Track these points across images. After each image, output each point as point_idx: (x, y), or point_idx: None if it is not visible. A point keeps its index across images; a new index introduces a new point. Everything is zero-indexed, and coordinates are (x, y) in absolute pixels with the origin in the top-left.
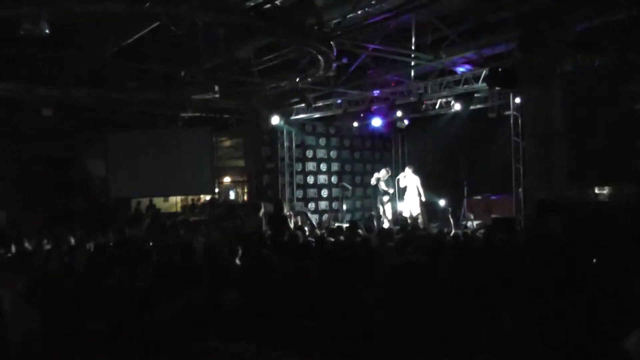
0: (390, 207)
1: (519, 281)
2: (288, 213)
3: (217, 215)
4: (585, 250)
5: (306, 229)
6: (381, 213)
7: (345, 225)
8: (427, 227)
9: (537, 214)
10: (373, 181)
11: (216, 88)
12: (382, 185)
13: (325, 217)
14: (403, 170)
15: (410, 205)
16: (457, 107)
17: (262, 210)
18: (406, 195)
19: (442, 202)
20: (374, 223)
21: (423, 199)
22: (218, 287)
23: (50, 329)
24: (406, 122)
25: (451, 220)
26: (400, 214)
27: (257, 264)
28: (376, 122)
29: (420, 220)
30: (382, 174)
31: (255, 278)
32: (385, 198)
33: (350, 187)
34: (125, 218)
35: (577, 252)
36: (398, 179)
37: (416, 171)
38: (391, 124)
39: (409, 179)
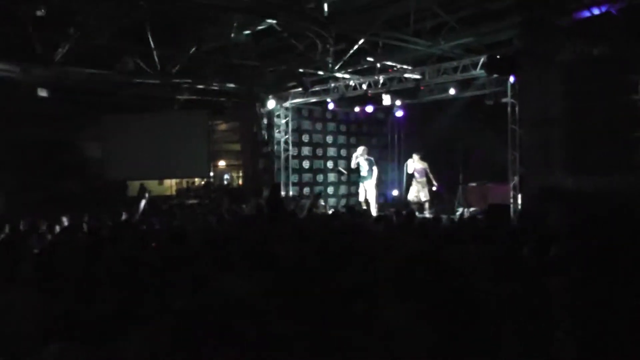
0: (363, 189)
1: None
2: (284, 197)
3: (212, 199)
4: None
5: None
6: (359, 196)
7: (342, 210)
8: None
9: (537, 202)
10: (353, 164)
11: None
12: (360, 165)
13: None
14: (399, 155)
15: (418, 191)
16: (452, 92)
17: (264, 194)
18: (413, 182)
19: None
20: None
21: (435, 185)
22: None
23: (44, 310)
24: (401, 112)
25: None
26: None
27: (258, 248)
28: (369, 108)
29: (427, 206)
30: (360, 152)
31: (257, 263)
32: (362, 180)
33: (346, 172)
34: (121, 200)
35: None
36: (406, 165)
37: (424, 158)
38: (388, 110)
39: (417, 165)
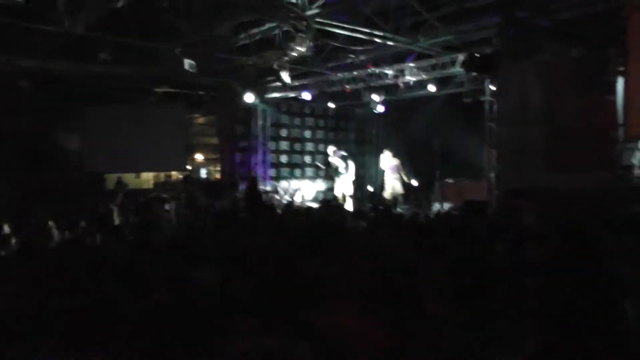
0: (339, 183)
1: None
2: (262, 191)
3: (189, 192)
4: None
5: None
6: (335, 191)
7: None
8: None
9: (508, 200)
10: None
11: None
12: (334, 163)
13: (296, 195)
14: (377, 152)
15: (392, 187)
16: (431, 88)
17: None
18: (386, 178)
19: (414, 183)
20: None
21: (412, 181)
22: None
23: (20, 307)
24: (382, 108)
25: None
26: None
27: (233, 241)
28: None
29: (401, 200)
30: (332, 153)
31: (232, 255)
32: (338, 176)
33: (324, 167)
34: (99, 193)
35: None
36: (380, 161)
37: (396, 154)
38: (366, 106)
39: (388, 161)
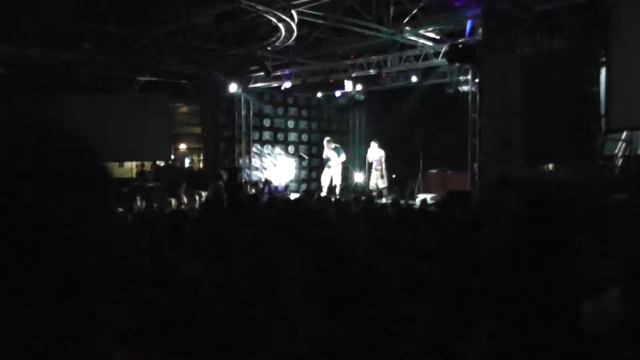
0: (329, 174)
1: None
2: (244, 181)
3: (172, 182)
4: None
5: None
6: (322, 181)
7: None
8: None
9: (495, 188)
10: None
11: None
12: (327, 155)
13: (280, 186)
14: (360, 141)
15: (377, 179)
16: (414, 79)
17: (224, 178)
18: (373, 169)
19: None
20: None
21: (382, 172)
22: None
23: None
24: (362, 96)
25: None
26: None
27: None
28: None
29: (385, 192)
30: (326, 144)
31: (216, 247)
32: (329, 167)
33: (307, 157)
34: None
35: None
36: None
37: (381, 145)
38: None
39: (375, 153)
